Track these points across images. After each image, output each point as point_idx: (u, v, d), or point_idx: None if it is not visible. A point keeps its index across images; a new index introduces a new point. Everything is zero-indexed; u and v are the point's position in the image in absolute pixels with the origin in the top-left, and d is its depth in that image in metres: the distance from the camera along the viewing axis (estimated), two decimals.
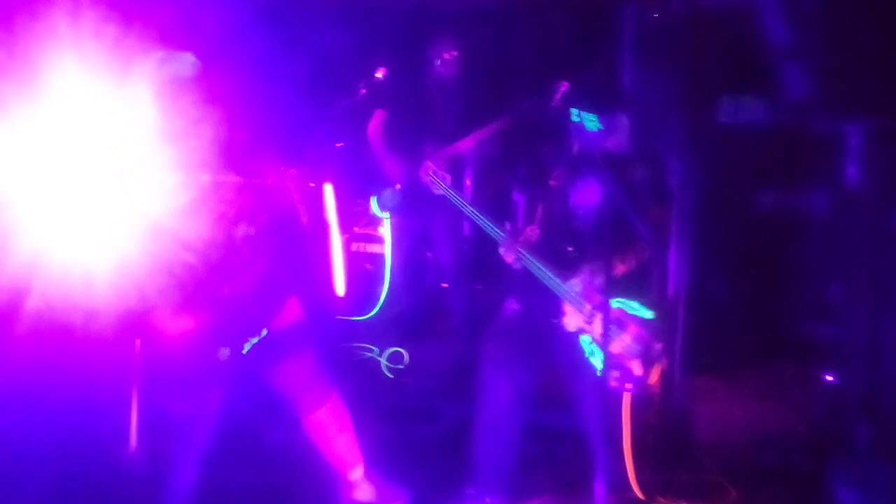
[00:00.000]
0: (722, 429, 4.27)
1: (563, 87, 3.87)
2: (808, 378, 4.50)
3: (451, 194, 3.56)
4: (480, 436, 3.49)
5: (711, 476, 3.78)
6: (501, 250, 3.38)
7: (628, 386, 3.29)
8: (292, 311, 3.21)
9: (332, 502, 3.41)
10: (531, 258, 3.35)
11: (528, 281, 3.39)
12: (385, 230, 5.44)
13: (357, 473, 3.34)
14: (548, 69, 4.67)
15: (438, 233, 5.04)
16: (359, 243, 5.67)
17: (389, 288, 5.46)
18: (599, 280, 3.32)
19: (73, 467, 3.49)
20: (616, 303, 3.31)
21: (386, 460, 3.55)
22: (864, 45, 3.96)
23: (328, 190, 5.16)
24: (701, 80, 4.16)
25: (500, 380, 3.45)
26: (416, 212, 4.96)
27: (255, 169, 3.17)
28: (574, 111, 3.40)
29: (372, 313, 5.46)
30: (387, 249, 5.40)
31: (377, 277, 5.52)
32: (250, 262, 3.07)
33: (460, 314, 5.10)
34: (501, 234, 3.39)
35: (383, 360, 5.01)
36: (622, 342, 3.30)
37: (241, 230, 3.07)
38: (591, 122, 3.37)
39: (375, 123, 4.98)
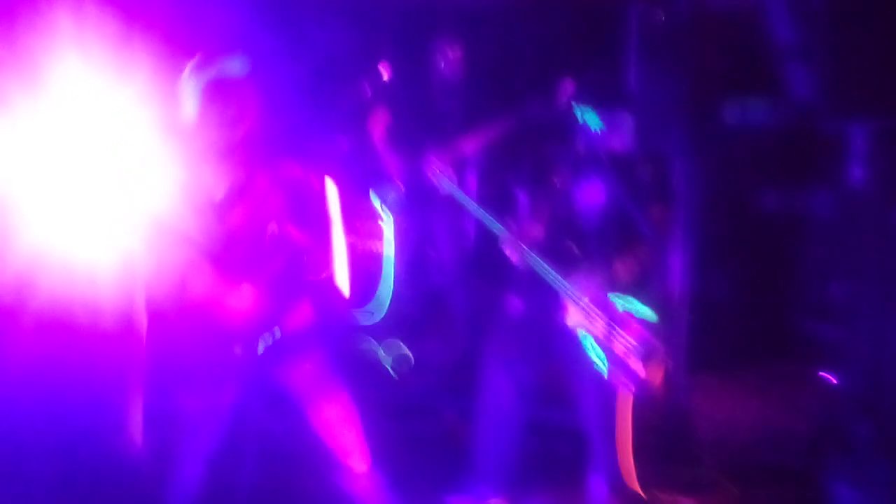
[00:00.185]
0: (722, 427, 4.28)
1: (568, 87, 3.89)
2: (808, 377, 4.50)
3: (456, 192, 3.58)
4: (482, 432, 3.51)
5: (711, 474, 3.79)
6: (504, 248, 3.40)
7: (628, 384, 3.30)
8: (305, 312, 3.23)
9: (333, 497, 3.42)
10: (534, 256, 3.36)
11: (531, 279, 3.40)
12: (388, 228, 5.45)
13: (362, 468, 3.36)
14: (552, 69, 4.69)
15: (441, 231, 5.05)
16: (362, 241, 5.68)
17: (392, 286, 5.47)
18: (602, 279, 3.34)
19: (76, 462, 3.50)
20: (618, 302, 3.32)
21: (388, 456, 3.56)
22: (869, 47, 3.96)
23: (331, 188, 5.16)
24: (706, 81, 4.16)
25: (501, 377, 3.47)
26: (418, 210, 4.97)
27: (257, 165, 3.19)
28: (577, 110, 3.41)
29: (379, 316, 5.47)
30: (389, 248, 5.41)
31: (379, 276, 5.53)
32: (270, 259, 3.09)
33: (462, 312, 5.11)
34: (505, 232, 3.40)
35: (386, 357, 5.02)
36: (623, 341, 3.31)
37: (270, 229, 3.10)
38: (593, 120, 3.38)
39: (379, 122, 4.99)
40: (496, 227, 3.41)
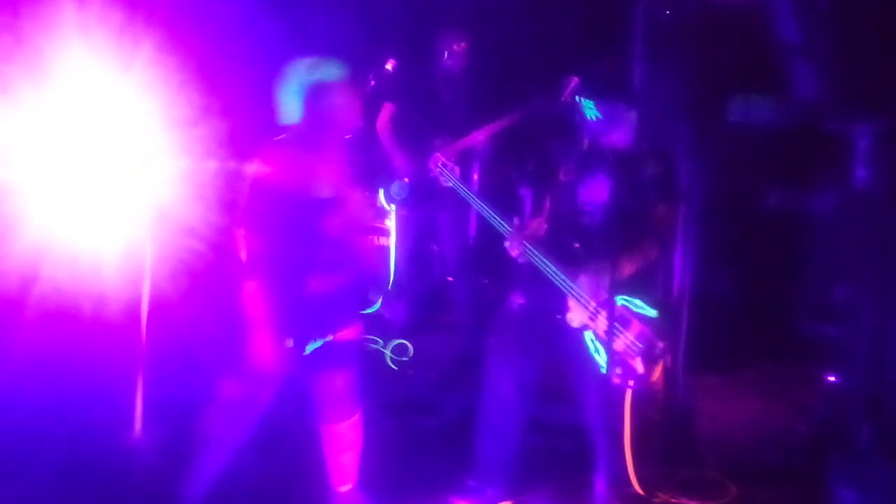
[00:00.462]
0: (724, 426, 4.28)
1: (573, 82, 3.87)
2: (810, 378, 4.50)
3: (459, 187, 3.57)
4: (483, 428, 3.51)
5: (712, 473, 3.79)
6: (507, 244, 3.39)
7: (630, 383, 3.30)
8: (356, 326, 3.27)
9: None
10: (537, 253, 3.36)
11: (534, 275, 3.39)
12: (391, 223, 5.45)
13: (346, 489, 3.38)
14: (557, 64, 4.67)
15: (444, 226, 5.04)
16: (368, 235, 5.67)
17: (394, 280, 5.47)
18: (605, 277, 3.33)
19: (80, 452, 3.51)
20: (620, 300, 3.32)
21: (389, 451, 3.57)
22: (875, 47, 3.95)
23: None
24: (711, 79, 4.15)
25: (503, 373, 3.47)
26: (422, 205, 4.96)
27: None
28: (582, 105, 3.40)
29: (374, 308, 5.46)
30: (392, 242, 5.41)
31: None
32: (343, 264, 3.13)
33: (465, 307, 5.11)
34: (508, 228, 3.39)
35: (388, 352, 5.02)
36: (625, 339, 3.31)
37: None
38: (590, 110, 3.37)
39: (384, 116, 4.98)
40: (500, 222, 3.40)
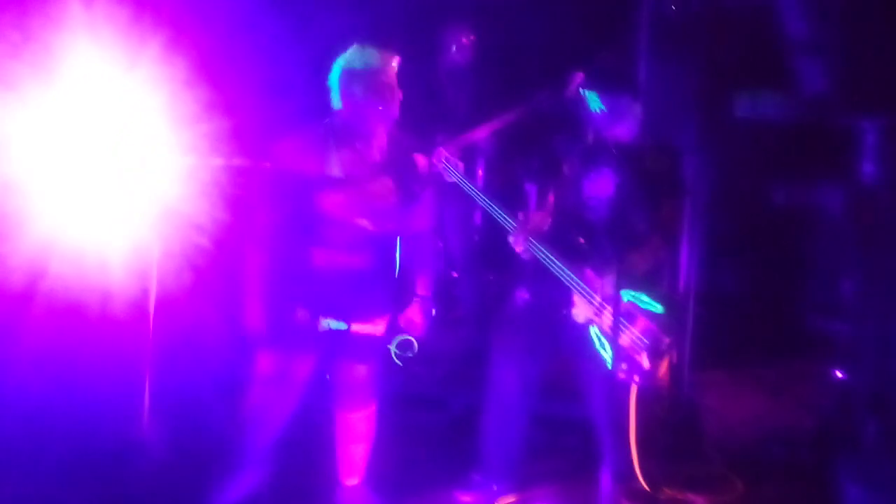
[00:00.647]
0: (730, 422, 4.27)
1: (578, 77, 3.86)
2: (817, 374, 4.49)
3: (464, 182, 3.57)
4: (488, 424, 3.51)
5: (718, 469, 3.78)
6: (511, 239, 3.39)
7: (636, 378, 3.30)
8: (378, 322, 3.29)
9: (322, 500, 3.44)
10: (541, 248, 3.35)
11: (539, 271, 3.39)
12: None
13: (352, 483, 3.40)
14: (563, 59, 4.67)
15: (449, 221, 5.04)
16: None
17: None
18: (610, 272, 3.33)
19: (86, 447, 3.52)
20: (626, 295, 3.32)
21: (394, 447, 3.57)
22: (882, 42, 3.94)
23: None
24: (718, 75, 4.15)
25: (508, 369, 3.47)
26: None
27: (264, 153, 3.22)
28: (588, 99, 3.40)
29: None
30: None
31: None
32: (354, 247, 3.19)
33: (470, 303, 5.11)
34: (512, 223, 3.39)
35: (392, 348, 5.02)
36: (631, 335, 3.31)
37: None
38: (594, 102, 3.37)
39: None
40: (505, 217, 3.40)
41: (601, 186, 3.41)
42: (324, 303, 3.18)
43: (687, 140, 3.98)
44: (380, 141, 3.22)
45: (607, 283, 3.30)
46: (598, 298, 3.33)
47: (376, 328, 3.28)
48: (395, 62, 3.22)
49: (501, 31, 5.23)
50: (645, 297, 3.34)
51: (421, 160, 3.31)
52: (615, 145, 3.39)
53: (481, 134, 4.92)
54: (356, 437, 3.35)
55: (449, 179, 3.67)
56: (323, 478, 3.43)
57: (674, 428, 3.82)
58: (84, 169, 3.19)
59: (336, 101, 3.20)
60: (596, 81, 3.45)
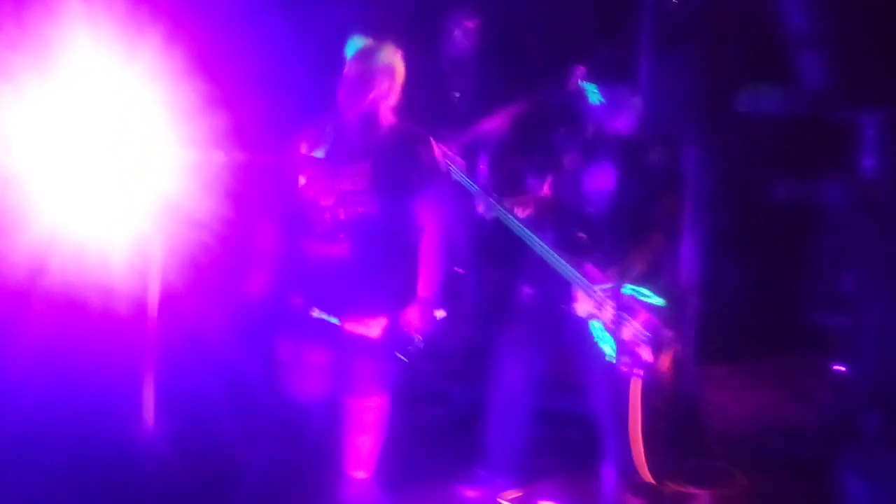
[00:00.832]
0: (732, 416, 4.28)
1: (579, 70, 3.85)
2: (818, 368, 4.49)
3: (462, 178, 3.56)
4: (492, 419, 3.52)
5: (720, 463, 3.79)
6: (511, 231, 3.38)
7: (638, 372, 3.30)
8: (372, 322, 3.23)
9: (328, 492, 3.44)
10: (543, 243, 3.33)
11: (542, 266, 3.39)
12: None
13: (360, 476, 3.38)
14: (564, 53, 4.66)
15: (454, 218, 5.02)
16: None
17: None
18: (611, 267, 3.33)
19: (89, 443, 3.51)
20: (627, 289, 3.32)
21: (399, 441, 3.57)
22: (882, 36, 3.94)
23: None
24: (719, 69, 4.14)
25: (512, 364, 3.47)
26: None
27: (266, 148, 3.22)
28: (589, 93, 3.39)
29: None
30: None
31: None
32: (338, 236, 3.20)
33: (474, 299, 5.10)
34: (515, 221, 3.37)
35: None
36: (632, 328, 3.31)
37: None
38: (593, 94, 3.36)
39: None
40: (504, 211, 3.38)
41: (601, 180, 3.41)
42: (313, 292, 3.20)
43: (689, 135, 3.98)
44: (352, 126, 3.22)
45: (610, 278, 3.30)
46: (599, 293, 3.32)
47: (370, 329, 3.20)
48: (380, 54, 3.23)
49: (504, 25, 5.22)
50: (645, 291, 3.35)
51: (424, 152, 3.25)
52: (615, 138, 3.39)
53: (484, 130, 4.91)
54: (364, 427, 3.32)
55: (451, 174, 3.66)
56: (330, 471, 3.42)
57: (676, 422, 3.83)
58: (85, 164, 3.17)
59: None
60: (596, 73, 3.44)
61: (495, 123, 4.89)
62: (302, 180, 3.21)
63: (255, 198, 3.35)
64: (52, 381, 3.62)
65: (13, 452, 3.44)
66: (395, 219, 3.22)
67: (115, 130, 3.16)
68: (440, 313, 3.37)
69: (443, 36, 4.94)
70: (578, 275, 3.34)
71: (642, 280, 3.34)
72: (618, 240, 3.35)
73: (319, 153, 3.22)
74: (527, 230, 3.34)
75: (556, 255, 3.34)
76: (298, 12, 4.51)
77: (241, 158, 3.43)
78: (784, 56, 4.49)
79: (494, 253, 4.98)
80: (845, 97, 4.31)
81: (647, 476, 3.38)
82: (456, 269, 5.48)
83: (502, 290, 4.46)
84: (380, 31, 3.34)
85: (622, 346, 3.28)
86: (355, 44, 3.23)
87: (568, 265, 3.33)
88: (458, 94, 4.92)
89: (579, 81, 3.54)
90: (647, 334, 3.32)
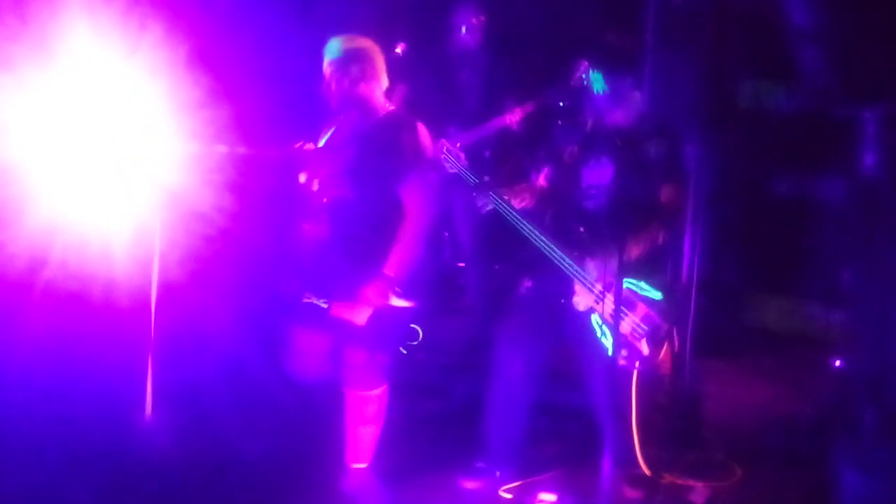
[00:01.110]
0: (729, 409, 4.29)
1: (583, 65, 3.85)
2: (816, 362, 4.51)
3: (464, 173, 3.57)
4: (492, 411, 3.52)
5: (718, 455, 3.80)
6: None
7: (636, 365, 3.31)
8: (356, 306, 3.23)
9: (327, 485, 3.46)
10: (543, 236, 3.35)
11: (542, 260, 3.40)
12: None
13: (359, 467, 3.40)
14: (569, 47, 4.66)
15: (457, 212, 5.04)
16: None
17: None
18: (611, 261, 3.33)
19: (89, 435, 3.52)
20: (626, 283, 3.32)
21: (399, 434, 3.58)
22: (884, 32, 3.94)
23: None
24: (721, 64, 4.13)
25: (511, 357, 3.48)
26: None
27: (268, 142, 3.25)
28: (592, 87, 3.39)
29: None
30: None
31: None
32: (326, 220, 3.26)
33: (476, 293, 5.11)
34: (519, 219, 3.38)
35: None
36: (631, 322, 3.32)
37: None
38: (598, 83, 3.36)
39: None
40: (512, 214, 3.40)
41: (600, 174, 3.41)
42: (305, 276, 3.26)
43: (691, 129, 3.97)
44: (346, 115, 3.31)
45: (608, 272, 3.30)
46: (599, 286, 3.33)
47: (354, 316, 3.20)
48: (344, 42, 3.30)
49: (509, 19, 5.22)
50: (644, 284, 3.35)
51: (407, 137, 3.25)
52: (615, 131, 3.39)
53: (491, 129, 4.91)
54: (363, 418, 3.34)
55: (450, 170, 3.67)
56: (330, 462, 3.44)
57: (674, 414, 3.84)
58: (86, 156, 3.18)
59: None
60: (601, 61, 3.44)
61: (501, 124, 4.90)
62: (303, 177, 3.28)
63: (256, 191, 3.36)
64: (52, 373, 3.64)
65: (14, 443, 3.45)
66: (374, 203, 3.22)
67: (115, 123, 3.16)
68: (403, 302, 3.24)
69: (449, 32, 4.94)
70: (577, 268, 3.35)
71: (642, 273, 3.34)
72: (617, 234, 3.35)
73: (321, 143, 3.31)
74: (525, 222, 3.35)
75: (555, 248, 3.35)
76: (300, 5, 4.51)
77: (242, 151, 3.44)
78: (786, 52, 4.48)
79: (495, 247, 4.99)
80: (846, 93, 4.30)
81: (645, 467, 3.39)
82: (459, 263, 5.51)
83: (503, 283, 4.47)
84: (385, 27, 3.38)
85: (620, 340, 3.28)
86: (330, 44, 3.32)
87: (567, 258, 3.34)
88: (467, 83, 4.92)
89: (583, 75, 3.54)
90: (646, 328, 3.32)
